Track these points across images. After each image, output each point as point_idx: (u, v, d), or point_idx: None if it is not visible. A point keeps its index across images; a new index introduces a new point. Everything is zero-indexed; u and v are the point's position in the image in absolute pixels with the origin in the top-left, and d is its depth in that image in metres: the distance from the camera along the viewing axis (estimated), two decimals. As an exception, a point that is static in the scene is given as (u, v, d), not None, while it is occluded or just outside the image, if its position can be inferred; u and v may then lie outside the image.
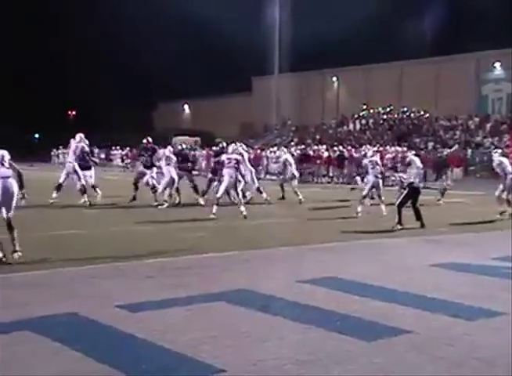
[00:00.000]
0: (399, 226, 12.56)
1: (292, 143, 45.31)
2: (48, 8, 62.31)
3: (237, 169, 14.60)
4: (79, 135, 16.96)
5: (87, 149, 17.08)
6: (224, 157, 15.26)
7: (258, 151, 36.54)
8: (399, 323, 5.77)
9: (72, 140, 17.04)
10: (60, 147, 44.62)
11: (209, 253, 9.34)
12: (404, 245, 10.96)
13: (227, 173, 14.47)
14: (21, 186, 8.76)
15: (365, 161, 16.07)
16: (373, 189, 15.43)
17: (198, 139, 50.91)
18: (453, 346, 5.20)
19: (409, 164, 13.43)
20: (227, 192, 15.30)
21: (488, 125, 42.99)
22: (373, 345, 5.19)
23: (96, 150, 49.82)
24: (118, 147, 49.87)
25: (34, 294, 6.77)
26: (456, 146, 32.72)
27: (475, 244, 11.29)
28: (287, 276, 7.79)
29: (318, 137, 50.23)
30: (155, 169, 17.29)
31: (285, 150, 22.84)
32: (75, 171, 16.49)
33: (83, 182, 16.58)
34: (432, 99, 48.53)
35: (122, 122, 59.26)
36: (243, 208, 14.07)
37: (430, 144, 40.10)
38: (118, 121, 60.09)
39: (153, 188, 16.88)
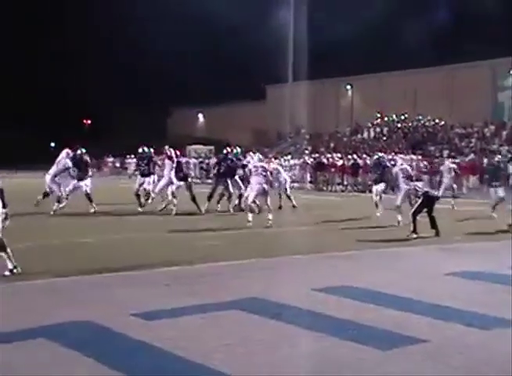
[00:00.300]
0: (414, 235, 12.50)
1: (306, 152, 45.25)
2: (51, 10, 62.83)
3: (265, 176, 14.68)
4: (66, 151, 16.90)
5: (70, 165, 16.63)
6: (251, 165, 15.76)
7: (273, 159, 36.50)
8: (414, 332, 5.74)
9: (62, 152, 16.96)
10: None
11: (223, 261, 9.34)
12: (419, 254, 10.90)
13: (256, 181, 14.52)
14: (4, 205, 7.99)
15: (395, 169, 15.69)
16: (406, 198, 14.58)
17: (212, 147, 51.06)
18: (468, 355, 5.17)
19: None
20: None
21: (504, 133, 42.69)
22: (388, 354, 5.17)
23: (111, 159, 50.37)
24: (133, 156, 50.01)
25: (47, 301, 6.81)
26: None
27: (490, 252, 11.19)
28: (302, 285, 7.76)
29: (332, 145, 50.16)
30: (153, 177, 17.63)
31: (275, 161, 23.06)
32: (52, 182, 16.30)
33: (64, 193, 16.38)
34: (447, 107, 48.29)
35: (136, 130, 59.46)
36: (270, 216, 14.06)
37: (446, 152, 39.88)
38: (133, 129, 60.31)
39: (148, 194, 17.23)
